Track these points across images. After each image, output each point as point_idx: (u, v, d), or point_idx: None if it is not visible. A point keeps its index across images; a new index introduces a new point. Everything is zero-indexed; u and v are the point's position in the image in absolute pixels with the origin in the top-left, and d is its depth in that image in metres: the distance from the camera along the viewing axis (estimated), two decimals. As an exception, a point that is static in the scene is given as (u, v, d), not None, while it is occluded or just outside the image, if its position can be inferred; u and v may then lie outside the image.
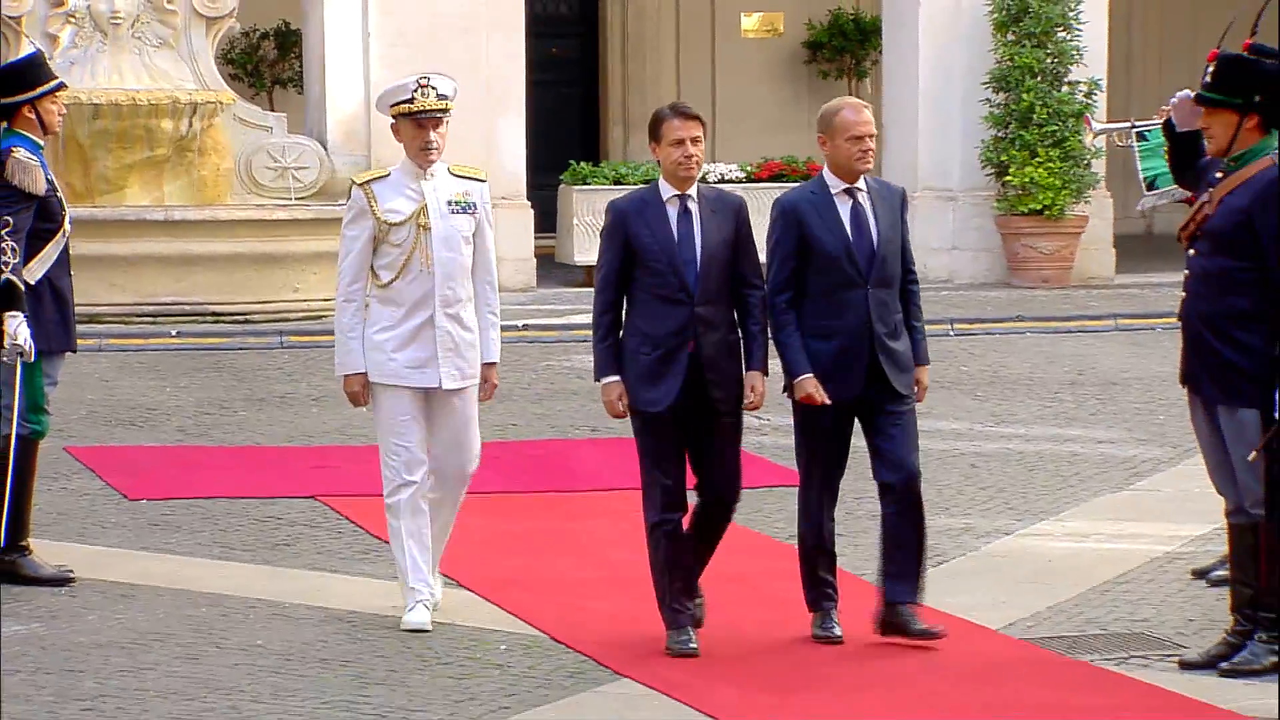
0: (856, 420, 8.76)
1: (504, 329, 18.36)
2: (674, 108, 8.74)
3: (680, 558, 8.63)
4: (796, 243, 8.65)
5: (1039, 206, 20.41)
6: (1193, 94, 8.59)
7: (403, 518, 8.96)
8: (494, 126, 20.42)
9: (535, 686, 8.48)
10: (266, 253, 18.46)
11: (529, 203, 20.96)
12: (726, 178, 20.62)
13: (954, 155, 21.17)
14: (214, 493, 11.88)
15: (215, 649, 8.77)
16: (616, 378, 8.61)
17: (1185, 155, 8.77)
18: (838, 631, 8.73)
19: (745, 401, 8.65)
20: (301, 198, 19.84)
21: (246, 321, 18.12)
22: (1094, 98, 20.56)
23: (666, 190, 8.64)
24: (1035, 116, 20.44)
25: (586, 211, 20.87)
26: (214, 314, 18.16)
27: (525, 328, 18.27)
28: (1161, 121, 9.18)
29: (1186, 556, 10.20)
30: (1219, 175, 8.41)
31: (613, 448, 13.19)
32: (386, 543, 10.75)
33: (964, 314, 18.60)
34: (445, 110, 8.88)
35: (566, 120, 24.65)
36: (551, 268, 21.57)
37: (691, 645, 8.52)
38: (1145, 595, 9.77)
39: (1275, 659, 8.23)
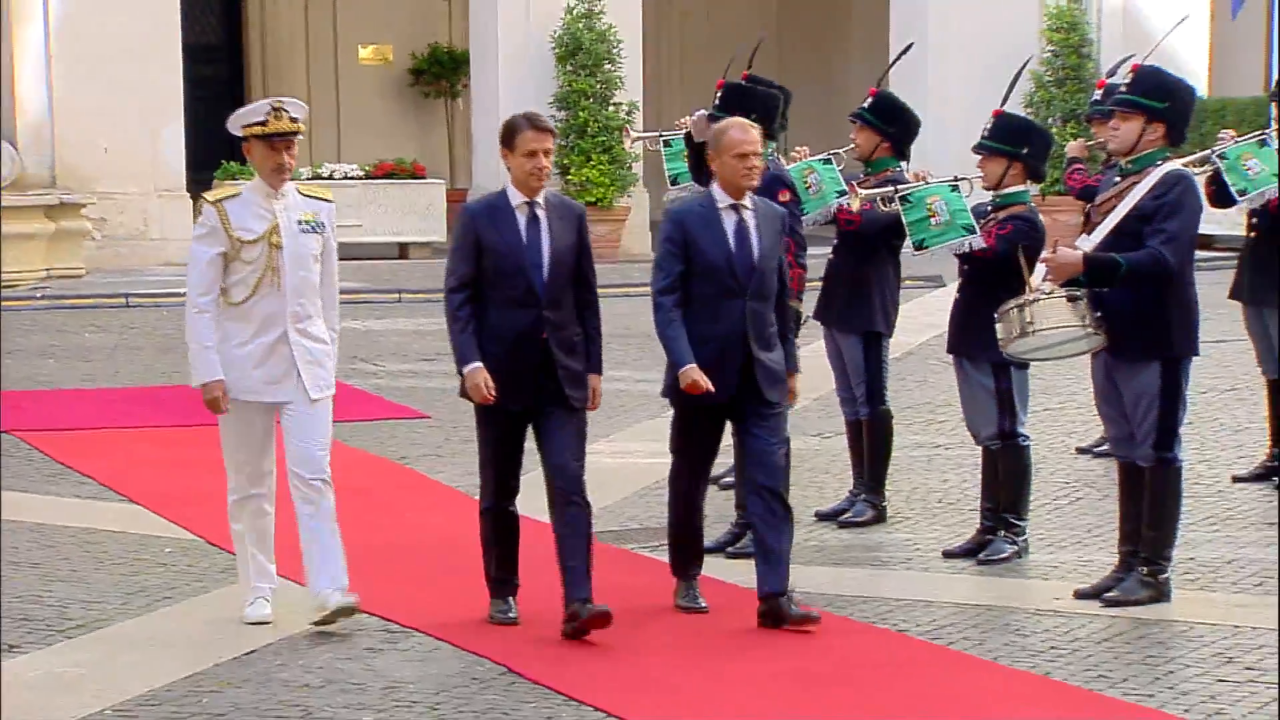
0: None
1: (167, 295, 18.36)
2: (529, 119, 7.57)
3: (506, 537, 7.60)
4: (683, 249, 7.62)
5: (593, 199, 20.79)
6: (706, 112, 8.74)
7: (244, 522, 7.69)
8: (158, 133, 20.32)
9: (193, 580, 8.36)
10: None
11: (189, 194, 20.76)
12: (350, 175, 20.84)
13: (529, 159, 21.28)
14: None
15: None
16: (479, 364, 7.37)
17: (702, 160, 8.92)
18: (702, 602, 7.79)
19: (588, 403, 7.59)
20: (-1, 190, 19.24)
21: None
22: (632, 115, 20.95)
23: (515, 196, 7.49)
24: (589, 130, 20.88)
25: None
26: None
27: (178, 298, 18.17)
28: (683, 133, 9.37)
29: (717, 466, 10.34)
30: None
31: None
32: (71, 468, 10.59)
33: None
34: (296, 133, 7.58)
35: (219, 127, 24.25)
36: (207, 249, 21.22)
37: (511, 615, 7.56)
38: (662, 498, 9.91)
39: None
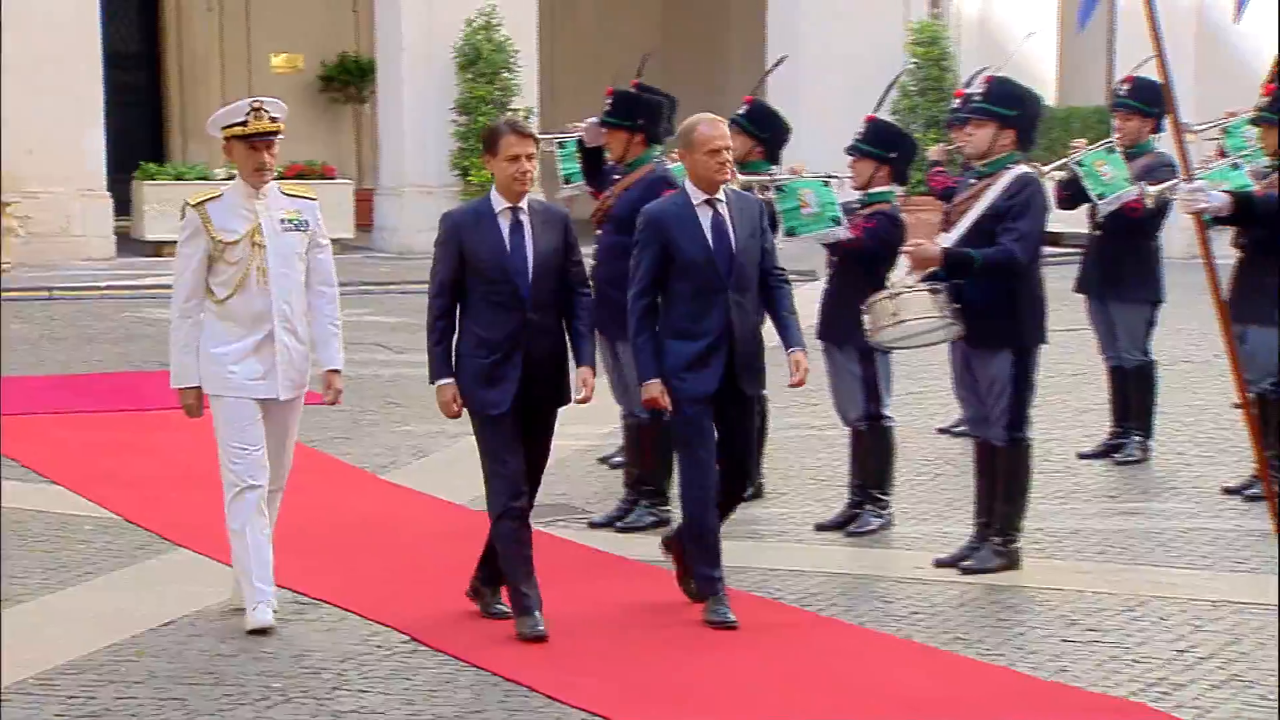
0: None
1: (89, 288, 18.15)
2: (511, 124, 7.07)
3: (524, 545, 7.03)
4: (660, 250, 7.16)
5: (492, 198, 20.84)
6: (599, 120, 8.75)
7: (247, 519, 7.12)
8: (81, 135, 20.15)
9: (112, 556, 8.26)
10: None
11: (109, 194, 20.75)
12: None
13: (432, 161, 21.23)
14: None
15: None
16: (450, 380, 6.95)
17: (593, 162, 8.96)
18: (732, 617, 7.06)
19: (578, 396, 7.08)
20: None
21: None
22: (528, 119, 20.81)
23: (499, 203, 6.97)
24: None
25: (154, 200, 20.81)
26: None
27: (108, 288, 18.07)
28: (575, 136, 9.37)
29: (595, 448, 10.34)
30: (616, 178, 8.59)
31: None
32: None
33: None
34: (276, 132, 7.10)
35: (139, 131, 24.09)
36: (128, 243, 21.04)
37: (540, 629, 6.91)
38: (565, 475, 9.91)
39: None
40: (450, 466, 10.21)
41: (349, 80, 25.06)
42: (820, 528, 8.62)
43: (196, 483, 8.94)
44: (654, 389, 7.12)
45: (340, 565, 8.12)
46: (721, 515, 7.26)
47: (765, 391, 9.38)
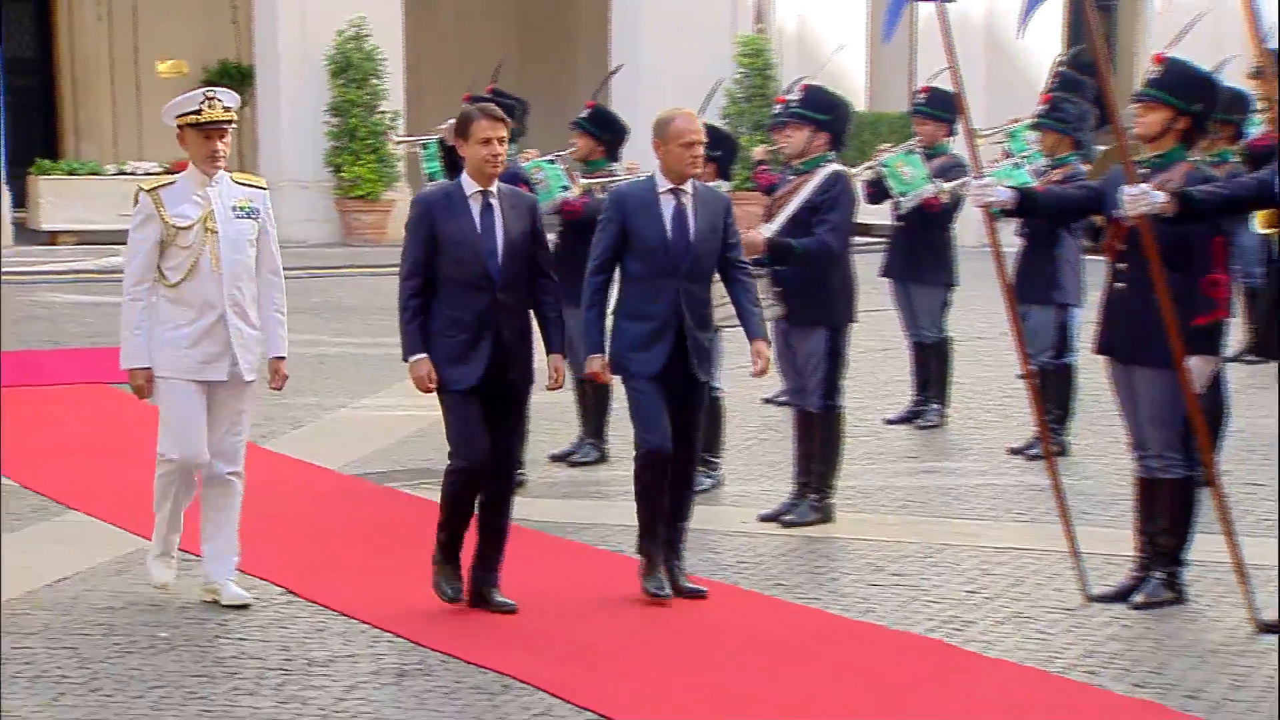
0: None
1: (-12, 274, 17.69)
2: (482, 109, 6.63)
3: (464, 520, 6.61)
4: (619, 231, 6.80)
5: (363, 193, 20.74)
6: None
7: (176, 486, 6.77)
8: (-22, 135, 19.69)
9: (12, 518, 8.02)
10: None
11: (7, 187, 20.23)
12: (150, 171, 20.33)
13: (307, 159, 21.03)
14: None
15: None
16: (424, 355, 6.52)
17: (453, 160, 8.86)
18: (667, 590, 6.73)
19: (549, 382, 6.67)
20: None
21: None
22: (396, 122, 20.75)
23: (470, 186, 6.57)
24: (358, 133, 20.68)
25: (47, 193, 20.46)
26: None
27: (5, 274, 17.59)
28: (437, 138, 9.31)
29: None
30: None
31: (71, 356, 12.67)
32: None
33: (316, 264, 18.05)
34: (230, 121, 6.67)
35: (34, 130, 23.60)
36: (25, 232, 20.53)
37: (456, 587, 6.61)
38: (429, 443, 9.83)
39: None
40: (322, 436, 10.12)
41: (230, 84, 24.50)
42: (553, 458, 8.71)
43: (88, 452, 8.77)
44: (596, 363, 6.84)
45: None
46: (675, 499, 6.83)
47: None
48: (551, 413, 10.63)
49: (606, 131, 9.44)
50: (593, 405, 9.40)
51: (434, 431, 10.10)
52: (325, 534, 7.48)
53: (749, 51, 21.59)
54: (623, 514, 8.27)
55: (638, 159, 9.89)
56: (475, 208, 6.56)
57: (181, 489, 6.81)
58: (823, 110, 7.96)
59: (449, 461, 6.60)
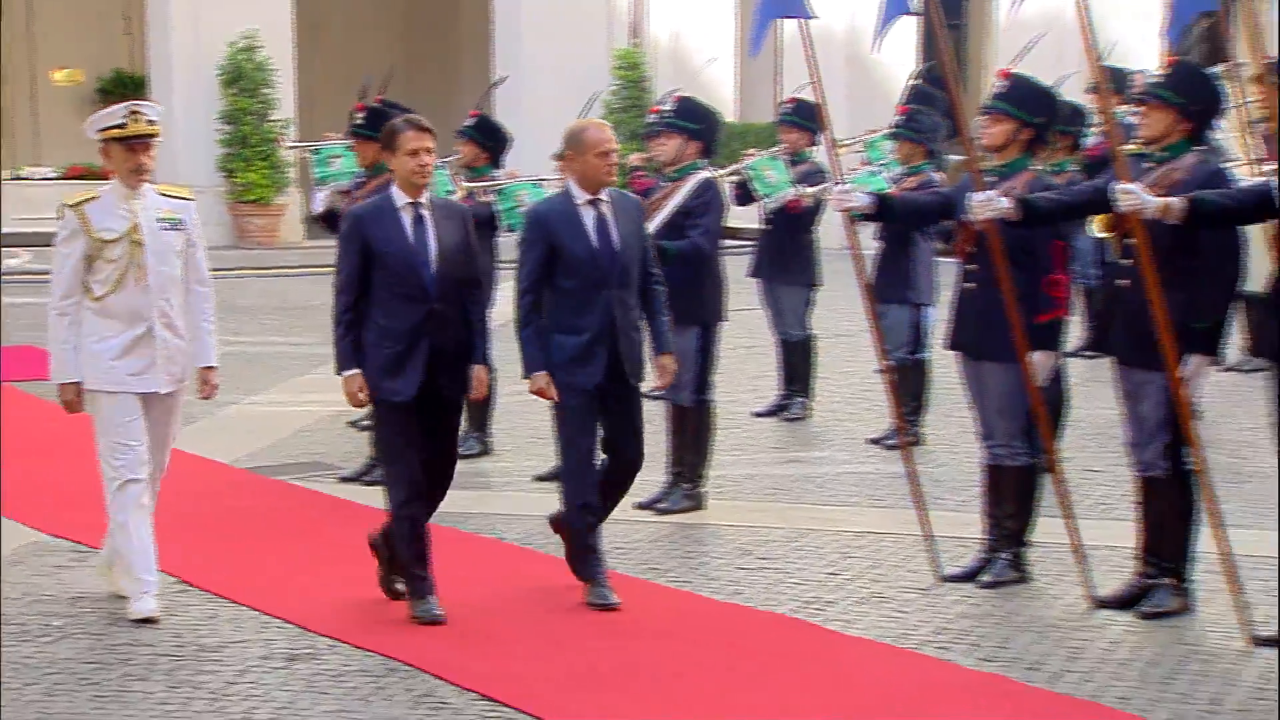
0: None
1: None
2: (409, 121, 6.29)
3: (422, 538, 6.29)
4: (544, 249, 6.45)
5: (254, 197, 20.47)
6: (350, 131, 8.62)
7: (130, 512, 6.37)
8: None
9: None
10: None
11: (-95, 191, 19.77)
12: (47, 176, 20.04)
13: (200, 164, 20.66)
14: None
15: None
16: (357, 370, 6.19)
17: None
18: (614, 598, 6.43)
19: (472, 392, 6.34)
20: None
21: None
22: (287, 129, 20.49)
23: (400, 198, 6.22)
24: (250, 140, 20.43)
25: None
26: None
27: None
28: (330, 144, 9.25)
29: (346, 413, 10.09)
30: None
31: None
32: None
33: (209, 265, 17.90)
34: (154, 135, 6.34)
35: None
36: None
37: (436, 611, 6.25)
38: (319, 438, 9.80)
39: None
40: (216, 432, 9.96)
41: (124, 92, 24.14)
42: (539, 479, 8.62)
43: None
44: (540, 380, 6.44)
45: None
46: (611, 502, 6.64)
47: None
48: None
49: (490, 139, 9.45)
50: (477, 401, 9.36)
51: (322, 427, 10.07)
52: (218, 525, 7.38)
53: (625, 64, 21.63)
54: (507, 503, 8.28)
55: (518, 166, 9.90)
56: (407, 219, 6.23)
57: (133, 508, 6.37)
58: (694, 120, 8.02)
59: (389, 502, 6.29)
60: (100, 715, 5.43)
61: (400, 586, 6.43)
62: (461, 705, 5.50)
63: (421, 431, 6.26)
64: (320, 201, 9.06)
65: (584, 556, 6.53)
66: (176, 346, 6.42)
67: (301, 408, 10.74)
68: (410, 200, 6.26)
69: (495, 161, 9.44)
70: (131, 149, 6.33)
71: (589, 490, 6.51)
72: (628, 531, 7.62)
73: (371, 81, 9.15)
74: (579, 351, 6.45)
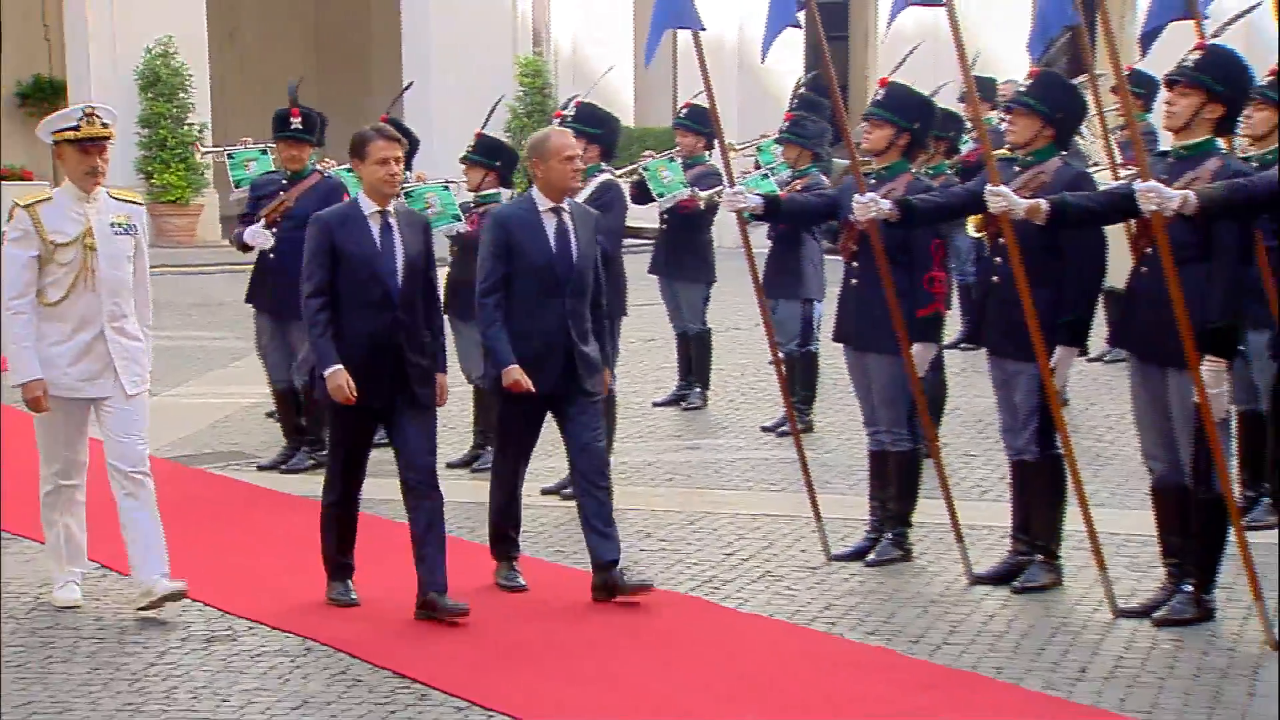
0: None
1: None
2: (378, 130, 6.11)
3: (346, 529, 6.24)
4: (505, 252, 6.25)
5: (173, 198, 20.16)
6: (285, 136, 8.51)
7: (59, 511, 6.23)
8: None
9: None
10: None
11: None
12: (-18, 180, 19.67)
13: (118, 166, 19.41)
14: None
15: None
16: (340, 366, 5.93)
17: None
18: (521, 580, 6.45)
19: (438, 402, 6.19)
20: None
21: None
22: (203, 133, 20.22)
23: (368, 206, 6.01)
24: (168, 143, 20.11)
25: None
26: None
27: None
28: (244, 148, 9.16)
29: (262, 405, 9.99)
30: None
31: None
32: None
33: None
34: (108, 137, 6.03)
35: None
36: None
37: (351, 596, 6.21)
38: (237, 428, 9.70)
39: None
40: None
41: (44, 97, 23.78)
42: (450, 466, 8.60)
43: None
44: (514, 373, 6.22)
45: (38, 506, 7.71)
46: (597, 513, 6.33)
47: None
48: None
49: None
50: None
51: (239, 418, 9.97)
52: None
53: (528, 72, 21.57)
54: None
55: (427, 169, 9.84)
56: (375, 227, 6.03)
57: (64, 506, 6.23)
58: (595, 124, 8.06)
59: (325, 490, 6.23)
60: (23, 696, 5.35)
61: (449, 602, 6.08)
62: (376, 683, 5.48)
63: (393, 439, 6.11)
64: (248, 235, 8.74)
65: (503, 540, 6.54)
66: (134, 349, 6.13)
67: (220, 400, 10.63)
68: (378, 208, 6.05)
69: (405, 164, 9.36)
70: (85, 151, 6.05)
71: (518, 485, 6.49)
72: (536, 516, 7.61)
73: (295, 87, 9.06)
74: (531, 356, 6.25)
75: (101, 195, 6.14)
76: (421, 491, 6.06)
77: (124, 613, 6.17)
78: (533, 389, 6.23)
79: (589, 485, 6.33)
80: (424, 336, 6.11)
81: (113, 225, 6.11)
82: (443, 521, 6.13)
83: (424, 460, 6.08)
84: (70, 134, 6.06)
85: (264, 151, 9.57)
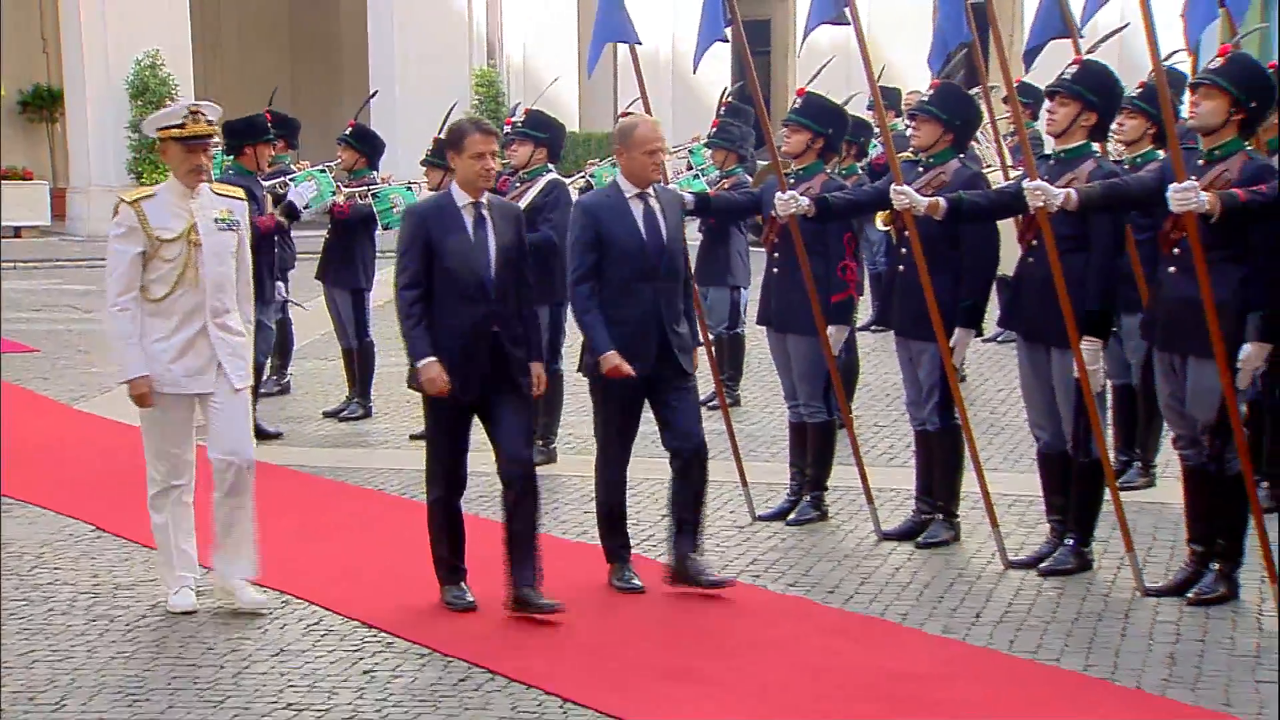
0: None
1: None
2: (475, 123, 5.54)
3: (455, 528, 5.68)
4: (594, 239, 5.69)
5: (161, 195, 19.99)
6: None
7: (168, 514, 5.65)
8: None
9: None
10: None
11: None
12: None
13: (111, 166, 20.12)
14: None
15: None
16: (434, 358, 5.40)
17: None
18: (636, 581, 5.86)
19: (535, 390, 5.61)
20: None
21: None
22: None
23: (461, 198, 5.47)
24: (155, 147, 19.86)
25: None
26: None
27: None
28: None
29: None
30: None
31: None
32: None
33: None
34: (212, 135, 5.49)
35: None
36: None
37: (468, 598, 5.64)
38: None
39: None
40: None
41: (43, 104, 23.53)
42: (414, 437, 8.53)
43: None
44: (612, 359, 5.65)
45: (39, 473, 7.64)
46: (695, 503, 5.80)
47: (371, 340, 9.36)
48: (324, 377, 10.43)
49: (366, 145, 9.45)
50: (362, 372, 9.35)
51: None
52: (128, 479, 7.16)
53: (483, 82, 21.49)
54: (384, 459, 8.18)
55: (391, 171, 9.80)
56: (469, 219, 5.49)
57: (171, 508, 5.67)
58: (542, 129, 8.02)
59: (428, 487, 5.64)
60: (26, 646, 5.26)
61: (542, 600, 5.56)
62: (346, 631, 5.44)
63: (490, 433, 5.53)
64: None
65: (614, 538, 5.99)
66: (237, 343, 5.59)
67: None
68: (472, 200, 5.51)
69: (372, 165, 9.39)
70: (190, 149, 5.51)
71: (622, 479, 5.93)
72: (487, 481, 7.56)
73: (274, 93, 9.00)
74: (625, 342, 5.68)
75: (204, 190, 5.61)
76: (521, 486, 5.49)
77: (117, 570, 6.10)
78: (632, 373, 5.65)
79: (688, 471, 5.76)
80: (518, 326, 5.55)
81: (216, 221, 5.58)
82: (539, 517, 5.59)
83: (524, 453, 5.52)
84: (175, 131, 5.53)
85: (228, 151, 9.47)
